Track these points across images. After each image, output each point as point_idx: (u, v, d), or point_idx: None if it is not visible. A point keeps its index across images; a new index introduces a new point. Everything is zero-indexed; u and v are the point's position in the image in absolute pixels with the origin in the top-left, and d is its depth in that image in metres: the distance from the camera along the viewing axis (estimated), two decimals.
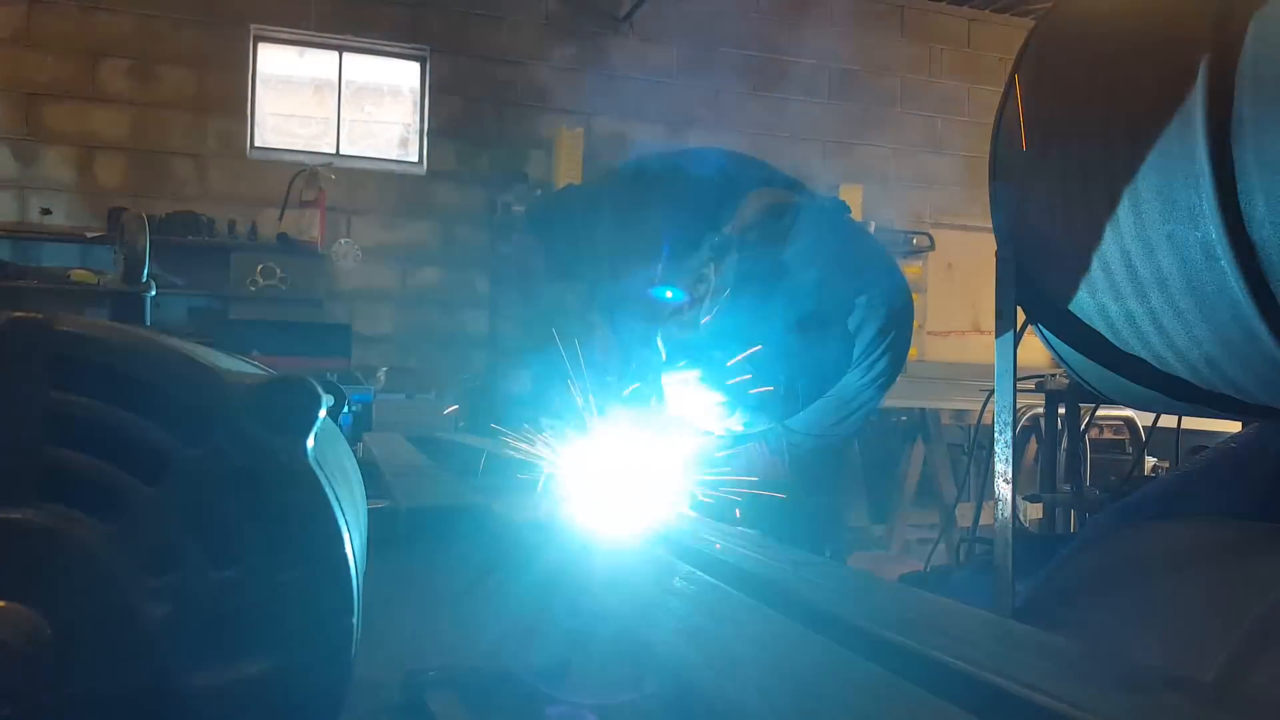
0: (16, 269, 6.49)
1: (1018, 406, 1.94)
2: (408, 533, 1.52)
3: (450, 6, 7.57)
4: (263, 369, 0.94)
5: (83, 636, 0.68)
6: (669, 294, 2.00)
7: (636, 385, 2.02)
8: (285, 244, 7.02)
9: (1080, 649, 0.93)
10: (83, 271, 6.48)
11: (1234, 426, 2.27)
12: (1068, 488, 2.55)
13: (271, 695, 0.73)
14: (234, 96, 7.19)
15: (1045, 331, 1.99)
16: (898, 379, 2.30)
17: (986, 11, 8.82)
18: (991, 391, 1.96)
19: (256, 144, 7.35)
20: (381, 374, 7.17)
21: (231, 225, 7.02)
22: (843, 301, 2.05)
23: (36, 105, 6.78)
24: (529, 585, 1.28)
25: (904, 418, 5.76)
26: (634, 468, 1.72)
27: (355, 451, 1.95)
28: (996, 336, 1.91)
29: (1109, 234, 1.66)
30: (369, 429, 5.44)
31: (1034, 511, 3.07)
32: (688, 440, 1.94)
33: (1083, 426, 2.66)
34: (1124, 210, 1.62)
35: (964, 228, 8.07)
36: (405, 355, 7.50)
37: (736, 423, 2.02)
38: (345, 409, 1.43)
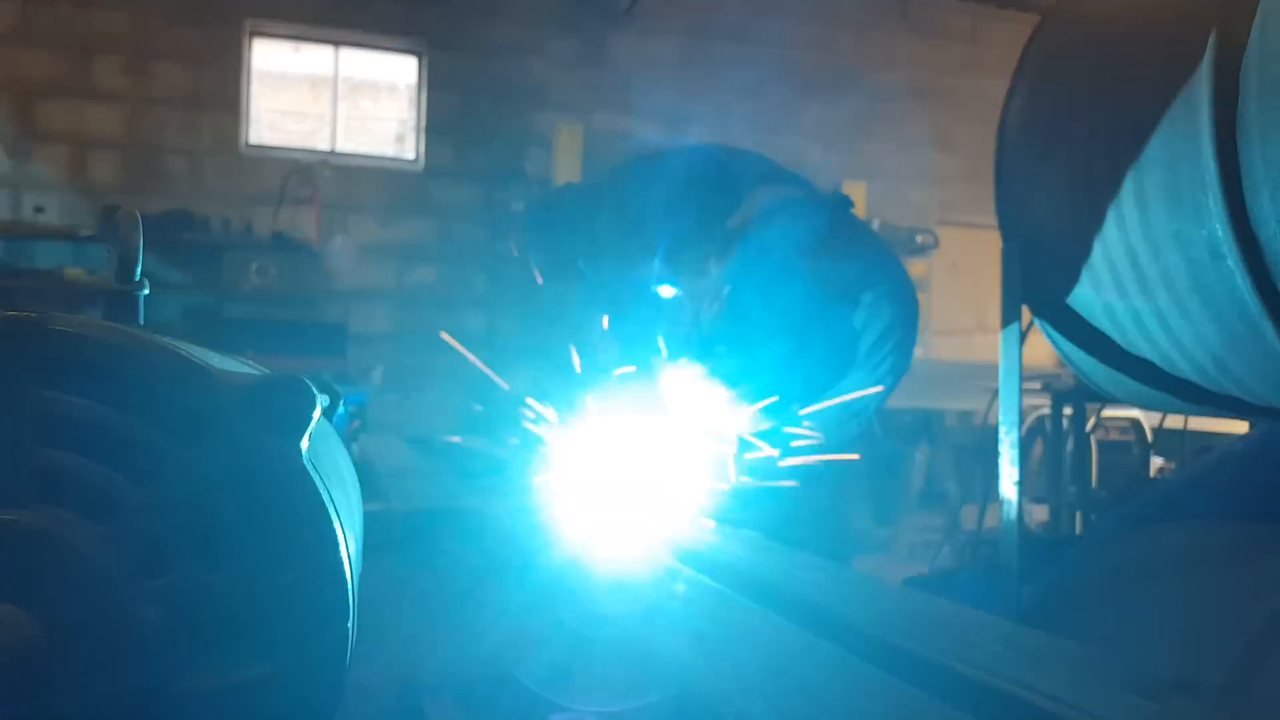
0: (10, 268, 6.47)
1: (1024, 407, 1.93)
2: (404, 535, 1.51)
3: (448, 1, 7.55)
4: (257, 369, 0.92)
5: (75, 639, 0.67)
6: (670, 290, 1.99)
7: (636, 384, 2.00)
8: (280, 242, 7.00)
9: (1087, 653, 0.92)
10: (76, 270, 6.45)
11: (1241, 427, 2.26)
12: (1074, 489, 2.55)
13: (265, 700, 0.72)
14: (228, 93, 7.16)
15: (1050, 330, 1.99)
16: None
17: (991, 7, 8.78)
18: (997, 391, 1.95)
19: (251, 141, 7.32)
20: (378, 373, 7.15)
21: (226, 223, 6.99)
22: (847, 298, 2.03)
23: (30, 102, 6.75)
24: (527, 589, 1.26)
25: (909, 418, 5.76)
26: (634, 469, 1.71)
27: (351, 452, 1.94)
28: (1001, 335, 1.90)
29: (1115, 232, 1.65)
30: (365, 429, 5.41)
31: (1040, 514, 3.07)
32: (688, 440, 1.92)
33: (1089, 427, 2.66)
34: (1130, 208, 1.61)
35: (969, 225, 8.04)
36: (402, 354, 7.48)
37: (739, 420, 2.00)
38: (340, 409, 1.42)
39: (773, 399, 1.97)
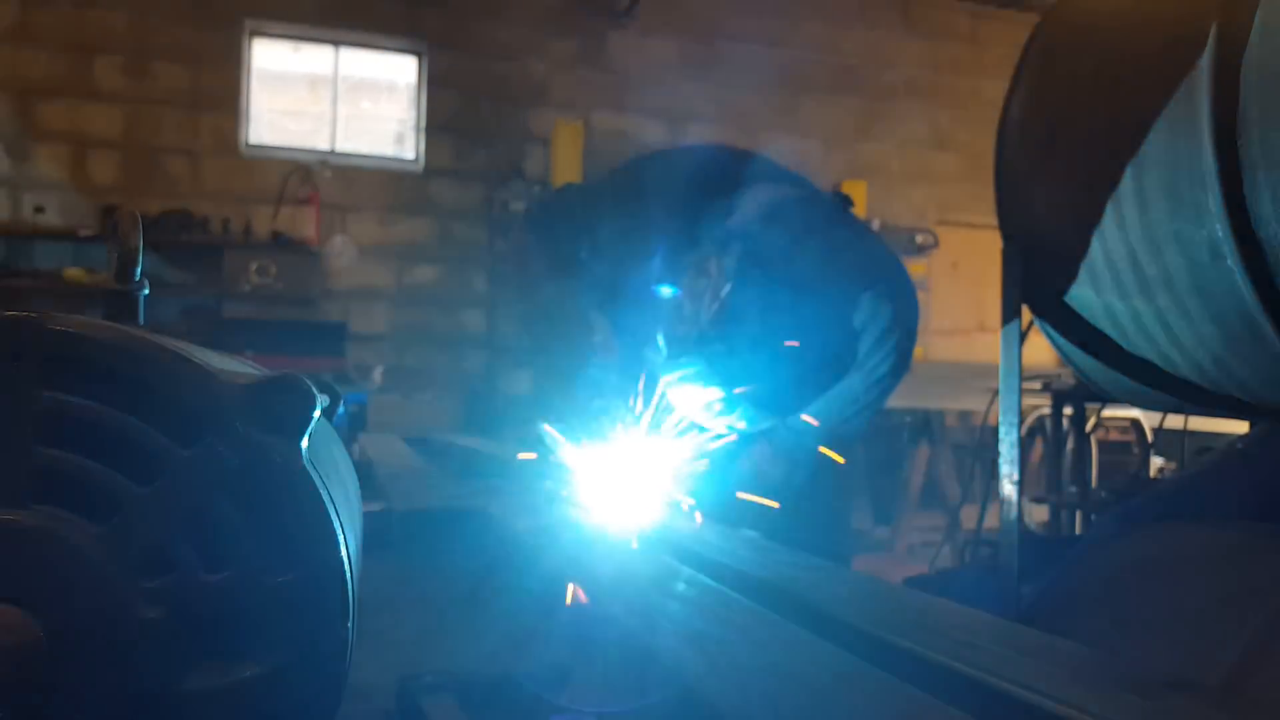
0: (10, 268, 6.47)
1: (1024, 407, 1.93)
2: (403, 536, 1.51)
3: (448, 1, 7.54)
4: (257, 368, 0.92)
5: (74, 639, 0.67)
6: (670, 290, 1.99)
7: (635, 384, 2.00)
8: (280, 242, 7.00)
9: (1087, 653, 0.92)
10: (76, 270, 6.45)
11: (1241, 426, 2.26)
12: (1074, 489, 2.55)
13: (264, 700, 0.72)
14: (228, 93, 7.16)
15: (1050, 330, 1.99)
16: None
17: (991, 7, 8.78)
18: (997, 391, 1.95)
19: (251, 141, 7.32)
20: (377, 373, 7.15)
21: (225, 223, 6.99)
22: (847, 297, 2.03)
23: (29, 102, 6.75)
24: (527, 589, 1.26)
25: (908, 418, 5.76)
26: (634, 469, 1.71)
27: (350, 452, 1.94)
28: (1001, 335, 1.90)
29: (1115, 232, 1.65)
30: (364, 429, 5.41)
31: (1040, 514, 3.08)
32: (689, 440, 1.92)
33: (1089, 427, 2.66)
34: (1130, 208, 1.61)
35: (969, 225, 8.04)
36: (402, 354, 7.48)
37: (738, 420, 2.01)
38: (340, 409, 1.41)
39: (772, 397, 1.97)
